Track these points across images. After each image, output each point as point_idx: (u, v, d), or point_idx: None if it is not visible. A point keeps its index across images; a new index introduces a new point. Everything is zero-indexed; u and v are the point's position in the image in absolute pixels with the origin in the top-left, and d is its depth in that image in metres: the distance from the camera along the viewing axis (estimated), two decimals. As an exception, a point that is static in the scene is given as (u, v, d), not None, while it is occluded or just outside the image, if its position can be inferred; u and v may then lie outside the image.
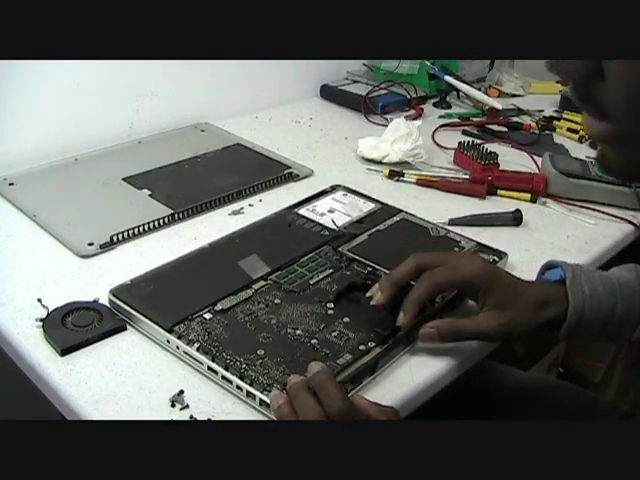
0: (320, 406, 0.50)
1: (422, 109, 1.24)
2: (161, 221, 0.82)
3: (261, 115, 1.19)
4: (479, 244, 0.79)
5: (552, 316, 0.64)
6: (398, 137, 1.01)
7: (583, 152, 1.10)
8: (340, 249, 0.76)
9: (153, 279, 0.68)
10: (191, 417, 0.55)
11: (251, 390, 0.56)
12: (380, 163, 1.02)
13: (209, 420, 0.55)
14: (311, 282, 0.70)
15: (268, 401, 0.54)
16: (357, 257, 0.75)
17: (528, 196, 0.94)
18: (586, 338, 0.69)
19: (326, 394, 0.50)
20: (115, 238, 0.77)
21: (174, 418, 0.55)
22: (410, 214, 0.85)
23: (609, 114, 0.41)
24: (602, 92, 0.40)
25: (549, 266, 0.71)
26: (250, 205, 0.89)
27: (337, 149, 1.08)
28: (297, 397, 0.51)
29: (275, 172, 0.96)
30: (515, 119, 1.23)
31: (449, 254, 0.72)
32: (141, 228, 0.80)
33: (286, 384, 0.55)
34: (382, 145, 1.02)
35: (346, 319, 0.65)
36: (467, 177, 0.98)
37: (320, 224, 0.81)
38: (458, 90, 1.29)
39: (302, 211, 0.85)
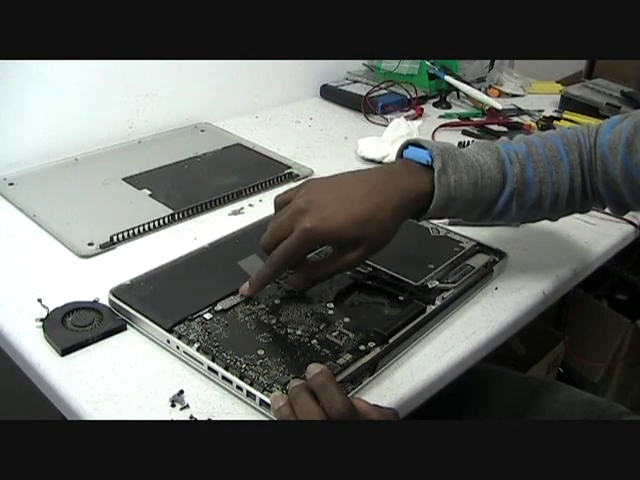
0: (321, 408, 0.50)
1: (422, 109, 1.24)
2: (161, 221, 0.82)
3: (261, 115, 1.19)
4: (479, 244, 0.79)
5: (413, 213, 0.66)
6: (398, 137, 1.01)
7: (583, 152, 1.10)
8: (340, 249, 0.76)
9: (153, 279, 0.68)
10: (191, 417, 0.55)
11: (251, 390, 0.56)
12: (380, 163, 1.02)
13: (209, 420, 0.55)
14: (311, 282, 0.70)
15: (268, 401, 0.54)
16: (357, 257, 0.75)
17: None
18: (454, 218, 0.74)
19: (327, 396, 0.50)
20: (115, 238, 0.77)
21: (174, 418, 0.55)
22: (410, 214, 0.85)
23: None
24: None
25: (414, 143, 0.67)
26: (250, 205, 0.89)
27: (337, 149, 1.08)
28: (298, 399, 0.51)
29: (275, 172, 0.96)
30: (515, 119, 1.23)
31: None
32: (141, 228, 0.80)
33: (287, 384, 0.55)
34: (382, 145, 1.02)
35: (346, 319, 0.65)
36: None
37: (320, 224, 0.81)
38: (458, 90, 1.29)
39: (302, 211, 0.84)
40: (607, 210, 0.74)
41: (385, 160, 1.01)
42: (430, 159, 0.64)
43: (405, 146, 0.68)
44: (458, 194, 0.65)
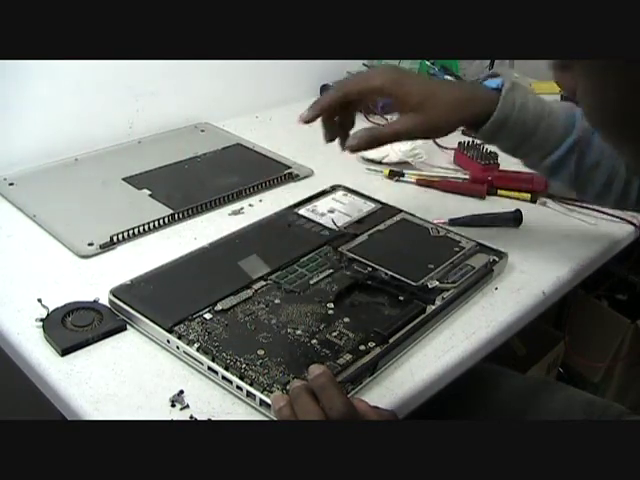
0: (321, 409, 0.50)
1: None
2: (161, 221, 0.82)
3: (261, 115, 1.19)
4: (479, 244, 0.79)
5: (476, 112, 0.70)
6: None
7: (583, 152, 1.10)
8: (340, 249, 0.76)
9: (153, 279, 0.68)
10: (191, 417, 0.55)
11: (251, 390, 0.56)
12: (380, 163, 1.02)
13: (209, 420, 0.55)
14: (311, 282, 0.70)
15: (268, 401, 0.54)
16: (357, 257, 0.75)
17: (528, 196, 0.94)
18: (501, 147, 0.74)
19: (327, 397, 0.50)
20: (115, 238, 0.77)
21: (174, 418, 0.55)
22: (410, 214, 0.85)
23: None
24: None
25: (492, 75, 0.77)
26: (250, 205, 0.89)
27: (337, 149, 1.07)
28: (298, 399, 0.51)
29: (275, 172, 0.96)
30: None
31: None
32: (141, 228, 0.80)
33: (287, 384, 0.55)
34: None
35: (346, 319, 0.65)
36: (467, 177, 0.98)
37: (320, 224, 0.81)
38: (458, 90, 1.28)
39: (302, 211, 0.85)
40: None
41: (385, 160, 1.01)
42: (501, 83, 0.71)
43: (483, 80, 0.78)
44: (520, 117, 0.69)
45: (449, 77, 1.26)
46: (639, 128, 0.43)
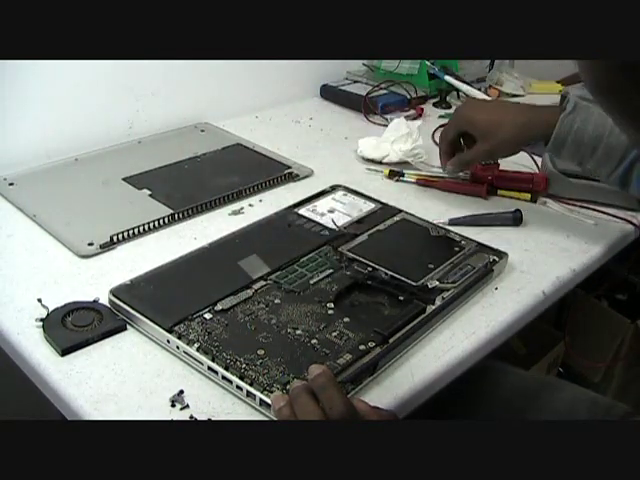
0: (321, 409, 0.50)
1: (422, 109, 1.24)
2: (161, 221, 0.82)
3: (261, 115, 1.19)
4: (479, 244, 0.79)
5: (534, 136, 0.84)
6: (398, 137, 1.01)
7: (583, 152, 1.10)
8: (340, 249, 0.76)
9: (153, 279, 0.68)
10: (191, 417, 0.55)
11: (251, 390, 0.56)
12: (380, 163, 1.02)
13: (209, 420, 0.55)
14: (311, 282, 0.70)
15: (268, 401, 0.54)
16: (357, 257, 0.75)
17: (528, 196, 0.94)
18: (570, 161, 0.84)
19: (327, 397, 0.50)
20: (115, 238, 0.77)
21: (174, 418, 0.55)
22: (410, 214, 0.85)
23: None
24: None
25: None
26: (250, 205, 0.89)
27: (337, 149, 1.08)
28: (298, 399, 0.51)
29: (275, 172, 0.96)
30: (515, 119, 1.23)
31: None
32: (141, 228, 0.80)
33: (287, 384, 0.55)
34: (382, 145, 1.02)
35: (346, 319, 0.65)
36: (467, 177, 0.98)
37: (320, 224, 0.81)
38: (458, 90, 1.29)
39: (302, 211, 0.85)
40: None
41: (385, 160, 1.01)
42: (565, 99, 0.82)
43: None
44: (577, 139, 0.79)
45: (449, 77, 1.26)
46: None
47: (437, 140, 1.11)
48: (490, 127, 0.85)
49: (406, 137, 1.01)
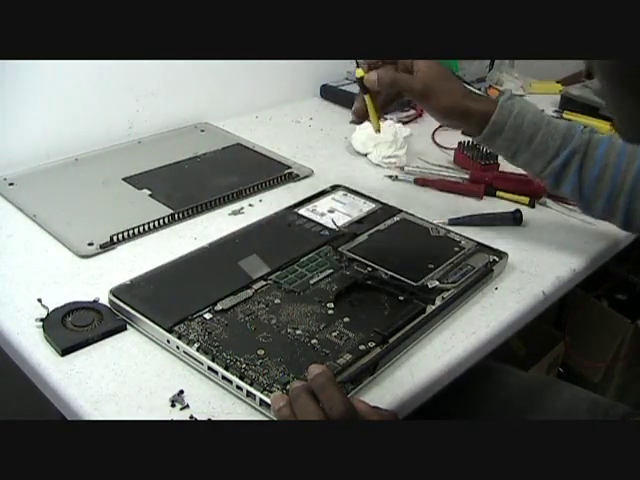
0: (321, 409, 0.50)
1: (422, 109, 1.24)
2: (161, 221, 0.82)
3: (261, 115, 1.19)
4: (479, 244, 0.79)
5: (476, 110, 0.76)
6: (383, 141, 1.02)
7: (583, 152, 1.10)
8: (340, 249, 0.76)
9: (153, 279, 0.68)
10: (191, 417, 0.55)
11: (251, 390, 0.56)
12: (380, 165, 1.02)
13: (209, 420, 0.55)
14: (311, 282, 0.70)
15: (268, 401, 0.54)
16: (357, 257, 0.75)
17: (527, 200, 0.93)
18: (502, 152, 0.79)
19: (327, 397, 0.50)
20: (115, 238, 0.77)
21: (174, 418, 0.55)
22: (410, 214, 0.85)
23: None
24: None
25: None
26: (250, 205, 0.89)
27: (337, 149, 1.08)
28: (298, 399, 0.51)
29: (275, 172, 0.96)
30: (515, 119, 1.23)
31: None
32: (141, 228, 0.80)
33: (287, 384, 0.55)
34: (368, 142, 1.03)
35: (346, 319, 0.65)
36: (467, 177, 0.98)
37: (320, 224, 0.81)
38: (458, 90, 1.28)
39: (302, 211, 0.85)
40: None
41: (368, 157, 1.04)
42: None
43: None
44: (517, 123, 0.75)
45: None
46: None
47: (437, 140, 1.12)
48: (438, 73, 0.76)
49: (390, 143, 1.02)
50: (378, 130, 0.80)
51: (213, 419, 0.55)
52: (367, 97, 0.78)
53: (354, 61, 0.79)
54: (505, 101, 0.76)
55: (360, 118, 0.81)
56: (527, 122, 0.75)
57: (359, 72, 0.77)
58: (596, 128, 0.79)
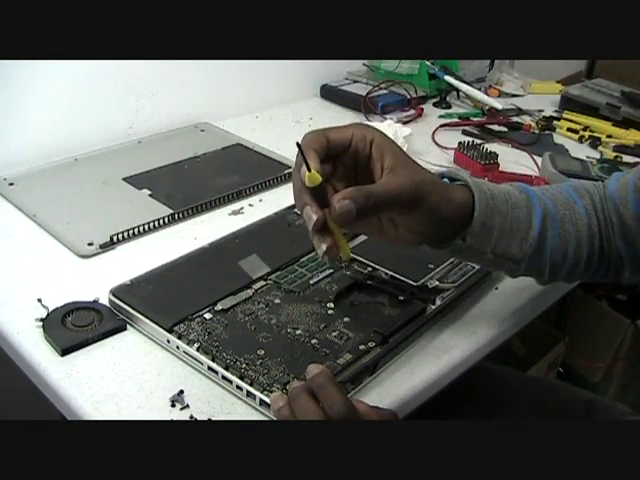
0: (320, 409, 0.50)
1: (422, 109, 1.24)
2: (161, 221, 0.82)
3: (261, 115, 1.19)
4: (479, 244, 0.79)
5: (462, 198, 0.58)
6: None
7: (583, 152, 1.10)
8: (340, 249, 0.76)
9: (153, 279, 0.68)
10: (191, 417, 0.55)
11: (251, 390, 0.56)
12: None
13: (209, 420, 0.55)
14: (311, 282, 0.70)
15: (268, 401, 0.54)
16: (357, 257, 0.75)
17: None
18: (485, 248, 0.60)
19: (327, 397, 0.50)
20: (115, 238, 0.77)
21: (174, 418, 0.55)
22: (410, 214, 0.85)
23: None
24: None
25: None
26: (250, 205, 0.89)
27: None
28: (297, 399, 0.51)
29: (275, 172, 0.96)
30: (515, 119, 1.23)
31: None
32: (141, 228, 0.80)
33: (287, 384, 0.55)
34: None
35: (346, 319, 0.65)
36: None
37: (320, 224, 0.81)
38: (458, 90, 1.29)
39: (302, 211, 0.84)
40: (622, 280, 0.67)
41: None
42: (449, 179, 0.61)
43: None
44: (495, 204, 0.59)
45: (449, 77, 1.26)
46: None
47: (437, 140, 1.12)
48: (409, 159, 0.57)
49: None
50: (348, 257, 0.57)
51: (213, 419, 0.55)
52: (328, 213, 0.53)
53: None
54: (475, 183, 0.60)
55: (334, 254, 0.55)
56: (498, 200, 0.60)
57: (315, 177, 0.52)
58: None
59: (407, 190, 0.54)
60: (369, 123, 1.17)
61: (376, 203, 0.53)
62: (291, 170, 0.97)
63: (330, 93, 1.29)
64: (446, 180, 0.62)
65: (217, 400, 0.57)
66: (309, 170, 0.51)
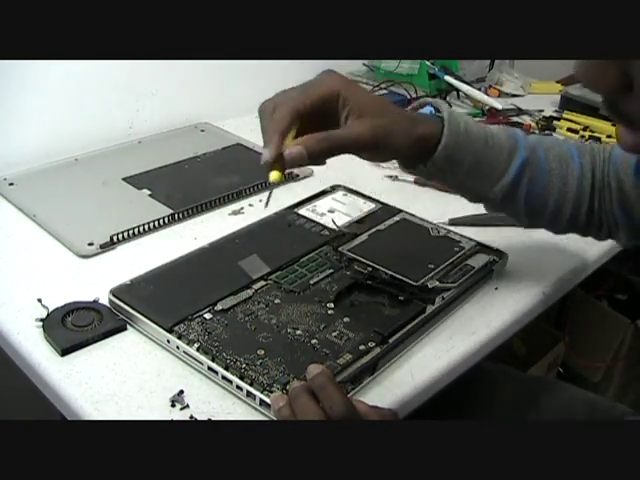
0: (321, 409, 0.50)
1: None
2: (161, 221, 0.82)
3: (261, 115, 1.19)
4: (479, 244, 0.79)
5: (426, 132, 0.61)
6: None
7: (583, 152, 1.10)
8: (340, 249, 0.76)
9: (153, 279, 0.68)
10: (191, 417, 0.55)
11: (251, 390, 0.56)
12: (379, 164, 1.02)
13: (209, 420, 0.55)
14: (311, 282, 0.70)
15: (268, 401, 0.54)
16: (357, 257, 0.75)
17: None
18: (451, 178, 0.64)
19: (327, 397, 0.50)
20: (115, 238, 0.77)
21: (174, 418, 0.55)
22: (410, 214, 0.85)
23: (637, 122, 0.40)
24: (631, 104, 0.39)
25: (418, 107, 0.67)
26: (250, 205, 0.89)
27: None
28: (298, 399, 0.51)
29: (275, 172, 0.96)
30: (515, 119, 1.23)
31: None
32: (141, 228, 0.80)
33: (287, 384, 0.55)
34: None
35: (346, 319, 0.65)
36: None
37: (320, 224, 0.81)
38: (458, 90, 1.29)
39: (302, 211, 0.85)
40: (618, 242, 0.69)
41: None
42: (435, 110, 0.65)
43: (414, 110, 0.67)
44: (468, 140, 0.62)
45: (449, 77, 1.26)
46: None
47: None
48: (376, 104, 0.60)
49: None
50: (273, 180, 0.57)
51: (213, 419, 0.55)
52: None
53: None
54: (450, 117, 0.62)
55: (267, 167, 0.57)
56: (475, 136, 0.63)
57: (276, 177, 0.56)
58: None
59: (363, 136, 0.57)
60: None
61: (332, 148, 0.57)
62: (291, 170, 0.97)
63: (330, 93, 1.29)
64: (430, 109, 0.65)
65: (217, 400, 0.57)
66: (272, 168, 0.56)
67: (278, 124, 0.57)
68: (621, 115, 0.40)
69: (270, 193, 0.60)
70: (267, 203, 0.61)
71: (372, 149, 0.59)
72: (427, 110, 0.66)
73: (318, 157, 0.57)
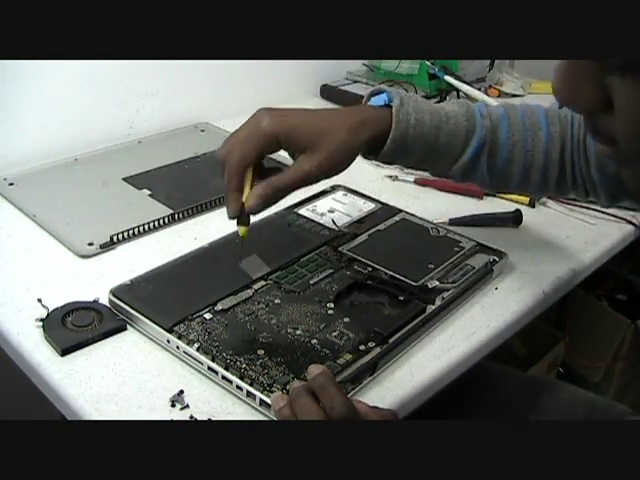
0: (321, 409, 0.50)
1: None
2: (161, 221, 0.82)
3: (261, 115, 1.19)
4: (479, 244, 0.79)
5: (372, 135, 0.64)
6: None
7: (583, 152, 1.10)
8: (340, 249, 0.76)
9: (153, 279, 0.68)
10: (191, 417, 0.55)
11: (251, 390, 0.56)
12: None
13: (209, 420, 0.55)
14: (311, 282, 0.70)
15: (268, 401, 0.54)
16: (357, 257, 0.75)
17: (527, 200, 0.93)
18: (405, 164, 0.70)
19: (327, 397, 0.50)
20: (115, 238, 0.77)
21: (174, 418, 0.55)
22: (410, 214, 0.85)
23: (619, 140, 0.40)
24: (611, 123, 0.40)
25: (376, 92, 0.69)
26: (250, 205, 0.88)
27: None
28: (298, 399, 0.51)
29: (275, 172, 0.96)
30: (515, 119, 1.23)
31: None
32: (141, 228, 0.80)
33: (287, 384, 0.55)
34: None
35: (346, 319, 0.65)
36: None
37: (320, 224, 0.81)
38: (458, 90, 1.29)
39: (302, 211, 0.85)
40: (596, 201, 0.73)
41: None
42: (388, 99, 0.66)
43: (368, 98, 0.70)
44: (418, 132, 0.65)
45: (449, 77, 1.26)
46: None
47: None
48: (319, 131, 0.62)
49: None
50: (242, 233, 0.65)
51: (213, 419, 0.55)
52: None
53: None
54: (399, 111, 0.65)
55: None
56: (427, 128, 0.66)
57: (243, 232, 0.64)
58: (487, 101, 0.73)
59: (312, 172, 0.62)
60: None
61: (285, 190, 0.63)
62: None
63: (330, 93, 1.29)
64: (385, 98, 0.67)
65: (217, 400, 0.57)
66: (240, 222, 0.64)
67: (230, 184, 0.61)
68: (602, 134, 0.40)
69: (241, 243, 0.65)
70: (241, 251, 0.67)
71: (323, 179, 0.64)
72: (381, 100, 0.67)
73: (275, 201, 0.63)
